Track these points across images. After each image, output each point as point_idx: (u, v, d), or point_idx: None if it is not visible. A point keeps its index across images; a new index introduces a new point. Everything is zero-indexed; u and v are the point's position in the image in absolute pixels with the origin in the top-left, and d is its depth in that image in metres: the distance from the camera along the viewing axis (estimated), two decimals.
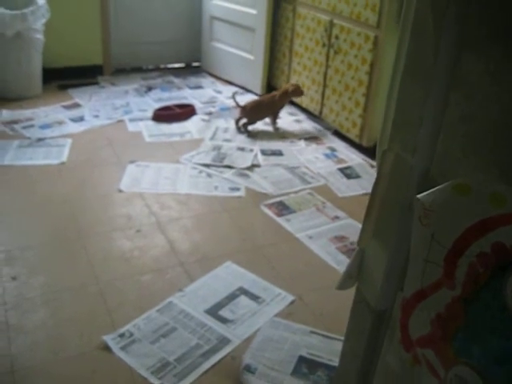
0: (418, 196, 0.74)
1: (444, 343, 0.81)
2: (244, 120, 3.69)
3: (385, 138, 0.86)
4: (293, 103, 4.05)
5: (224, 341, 1.94)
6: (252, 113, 3.64)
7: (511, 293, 0.70)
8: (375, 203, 0.88)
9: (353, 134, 3.47)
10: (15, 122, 3.61)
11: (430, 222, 0.76)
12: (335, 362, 1.82)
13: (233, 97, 3.72)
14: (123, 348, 1.87)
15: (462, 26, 0.75)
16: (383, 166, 0.85)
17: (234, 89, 4.39)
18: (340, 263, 2.36)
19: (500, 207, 0.70)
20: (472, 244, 0.74)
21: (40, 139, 3.39)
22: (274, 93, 3.78)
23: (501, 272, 0.72)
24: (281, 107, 3.76)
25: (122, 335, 1.92)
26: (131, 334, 1.93)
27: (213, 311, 2.07)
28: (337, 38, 3.45)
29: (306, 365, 1.86)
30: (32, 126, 3.57)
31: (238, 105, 3.66)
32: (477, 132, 0.73)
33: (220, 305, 2.11)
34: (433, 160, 0.79)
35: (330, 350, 1.91)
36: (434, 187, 0.76)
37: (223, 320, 2.03)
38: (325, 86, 3.68)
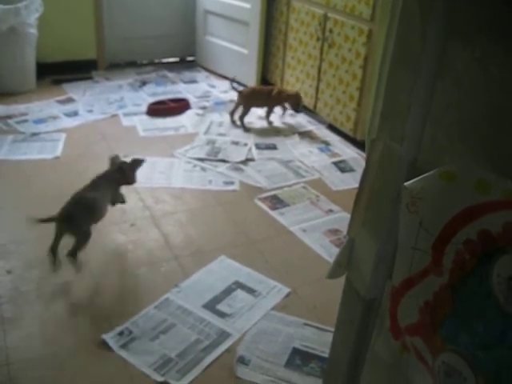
0: (406, 184, 0.75)
1: (432, 330, 0.82)
2: (240, 110, 3.67)
3: (373, 128, 0.86)
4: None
5: (224, 335, 1.94)
6: (248, 99, 3.64)
7: (497, 279, 0.71)
8: (364, 192, 0.88)
9: (347, 128, 3.47)
10: (9, 116, 3.60)
11: (417, 210, 0.77)
12: (328, 353, 1.84)
13: (231, 82, 3.75)
14: (123, 346, 1.87)
15: (449, 15, 0.75)
16: (372, 156, 0.85)
17: (228, 83, 4.39)
18: (333, 256, 2.35)
19: (485, 194, 0.71)
20: (459, 231, 0.74)
21: (34, 134, 3.38)
22: (274, 87, 3.79)
23: (487, 259, 0.72)
24: (276, 103, 3.75)
25: (120, 333, 1.92)
26: (130, 332, 1.93)
27: (210, 306, 2.08)
28: (331, 31, 3.45)
29: (299, 356, 1.87)
30: (26, 120, 3.56)
31: (235, 89, 3.67)
32: (463, 119, 0.74)
33: (217, 299, 2.11)
34: (420, 148, 0.79)
35: (323, 341, 1.92)
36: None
37: (221, 314, 2.04)
38: (319, 79, 3.68)
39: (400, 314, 0.86)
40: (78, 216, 2.15)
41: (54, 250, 2.14)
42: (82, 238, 2.16)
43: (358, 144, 3.43)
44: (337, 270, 0.97)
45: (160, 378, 1.75)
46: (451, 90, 0.76)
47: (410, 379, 0.88)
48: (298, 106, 3.68)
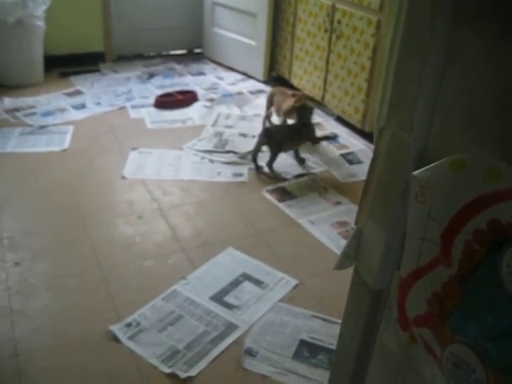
0: (414, 173, 0.74)
1: (440, 322, 0.81)
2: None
3: (381, 117, 0.85)
4: (295, 89, 4.03)
5: (231, 326, 1.94)
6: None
7: (507, 269, 0.70)
8: (372, 182, 0.87)
9: (355, 120, 3.45)
10: (17, 109, 3.61)
11: (426, 200, 0.76)
12: (336, 345, 1.83)
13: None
14: (131, 337, 1.87)
15: (458, 3, 0.74)
16: (380, 145, 0.84)
17: (236, 75, 4.39)
18: (341, 248, 2.34)
19: (495, 183, 0.70)
20: (468, 221, 0.73)
21: (42, 126, 3.39)
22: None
23: (496, 249, 0.71)
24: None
25: (128, 325, 1.92)
26: (138, 324, 1.93)
27: (218, 298, 2.07)
28: (339, 22, 3.43)
29: (307, 348, 1.87)
30: (34, 113, 3.57)
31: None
32: (473, 108, 0.73)
33: (224, 291, 2.11)
34: (429, 137, 0.78)
35: (330, 333, 1.91)
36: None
37: (229, 306, 2.04)
38: (327, 71, 3.66)
39: (408, 305, 0.86)
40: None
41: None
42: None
43: (367, 136, 3.41)
44: (344, 261, 0.96)
45: (167, 370, 1.75)
46: (461, 78, 0.75)
47: (418, 371, 0.87)
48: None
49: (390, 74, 0.83)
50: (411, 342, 0.88)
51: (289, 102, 3.23)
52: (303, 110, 3.05)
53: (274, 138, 2.96)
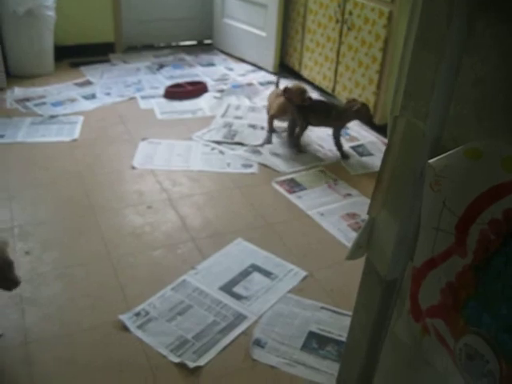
0: (430, 161, 0.73)
1: (454, 312, 0.80)
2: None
3: (396, 106, 0.84)
4: (305, 81, 4.01)
5: (240, 317, 1.94)
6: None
7: None
8: (386, 171, 0.86)
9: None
10: (27, 99, 3.62)
11: (441, 189, 0.75)
12: (345, 337, 1.82)
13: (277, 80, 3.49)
14: (140, 327, 1.87)
15: None
16: (394, 134, 0.83)
17: (246, 66, 4.37)
18: (351, 240, 2.33)
19: None
20: (484, 211, 0.72)
21: (52, 116, 3.39)
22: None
23: None
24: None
25: (137, 314, 1.92)
26: (147, 313, 1.93)
27: (227, 288, 2.07)
28: (350, 13, 3.40)
29: (315, 340, 1.86)
30: (44, 103, 3.57)
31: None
32: (490, 96, 0.72)
33: (234, 282, 2.11)
34: (445, 126, 0.77)
35: (339, 325, 1.91)
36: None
37: (238, 297, 2.03)
38: (338, 63, 3.63)
39: (421, 295, 0.85)
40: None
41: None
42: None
43: (377, 128, 3.39)
44: (357, 251, 0.96)
45: (176, 359, 1.75)
46: (478, 66, 0.74)
47: (431, 362, 0.86)
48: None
49: (405, 63, 0.82)
50: (424, 333, 0.87)
51: (278, 101, 3.21)
52: (364, 111, 3.05)
53: (304, 112, 3.09)
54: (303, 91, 3.04)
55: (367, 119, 3.21)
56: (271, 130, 3.27)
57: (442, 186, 0.75)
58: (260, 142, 3.19)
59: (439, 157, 0.73)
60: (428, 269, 0.82)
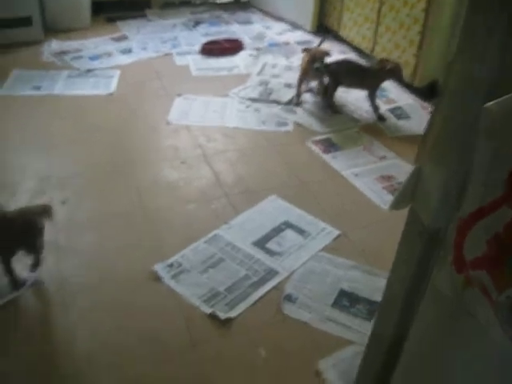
0: (486, 105, 0.70)
1: (499, 264, 0.79)
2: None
3: (451, 51, 0.81)
4: (343, 40, 3.93)
5: (272, 272, 1.95)
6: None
7: None
8: (437, 119, 0.84)
9: (405, 74, 3.34)
10: (64, 52, 3.63)
11: (495, 136, 0.72)
12: (375, 296, 1.83)
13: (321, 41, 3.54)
14: (173, 277, 1.90)
15: None
16: (449, 80, 0.81)
17: (284, 25, 4.30)
18: (386, 202, 2.32)
19: None
20: None
21: (89, 70, 3.40)
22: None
23: None
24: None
25: (170, 265, 1.95)
26: (180, 264, 1.95)
27: (260, 244, 2.08)
28: None
29: (346, 298, 1.87)
30: (81, 57, 3.58)
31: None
32: None
33: (267, 238, 2.11)
34: (503, 71, 0.74)
35: (371, 285, 1.90)
36: None
37: (270, 252, 2.04)
38: (378, 23, 3.54)
39: (466, 246, 0.83)
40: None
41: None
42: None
43: (416, 91, 3.31)
44: (400, 202, 0.94)
45: (208, 310, 1.78)
46: None
47: (473, 313, 0.85)
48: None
49: (463, 5, 0.79)
50: (466, 284, 0.86)
51: (304, 60, 3.17)
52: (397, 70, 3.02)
53: (335, 72, 3.06)
54: (314, 57, 3.04)
55: (400, 79, 3.13)
56: (299, 90, 3.20)
57: (496, 132, 0.72)
58: (296, 100, 3.15)
59: (495, 101, 0.70)
60: (475, 219, 0.80)
